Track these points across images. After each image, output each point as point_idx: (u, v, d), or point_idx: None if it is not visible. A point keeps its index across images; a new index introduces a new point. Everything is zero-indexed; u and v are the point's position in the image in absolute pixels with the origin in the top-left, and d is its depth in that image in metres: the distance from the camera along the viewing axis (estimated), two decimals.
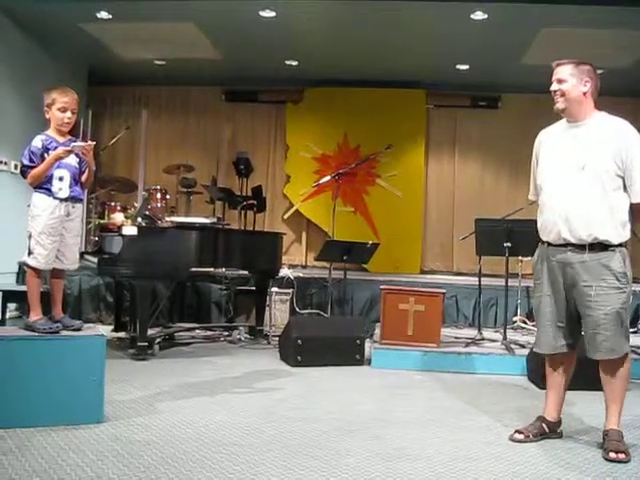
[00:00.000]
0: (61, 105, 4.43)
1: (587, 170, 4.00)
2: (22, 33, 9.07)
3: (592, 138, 4.06)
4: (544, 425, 4.29)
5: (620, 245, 4.02)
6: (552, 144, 4.29)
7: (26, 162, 4.34)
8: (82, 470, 3.34)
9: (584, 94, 4.10)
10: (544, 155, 4.32)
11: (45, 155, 4.35)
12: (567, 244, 4.06)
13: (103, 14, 8.59)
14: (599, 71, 4.21)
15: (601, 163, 3.98)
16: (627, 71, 9.48)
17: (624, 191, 4.03)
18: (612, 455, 3.83)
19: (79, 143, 4.48)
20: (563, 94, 4.10)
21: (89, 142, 4.57)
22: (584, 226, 3.99)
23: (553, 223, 4.12)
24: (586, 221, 3.99)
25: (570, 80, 4.09)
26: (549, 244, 4.20)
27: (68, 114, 4.47)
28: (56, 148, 4.38)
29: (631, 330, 4.60)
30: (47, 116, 4.49)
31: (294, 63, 10.71)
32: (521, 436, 4.23)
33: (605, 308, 3.96)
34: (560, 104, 4.13)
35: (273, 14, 8.47)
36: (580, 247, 4.02)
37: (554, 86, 4.14)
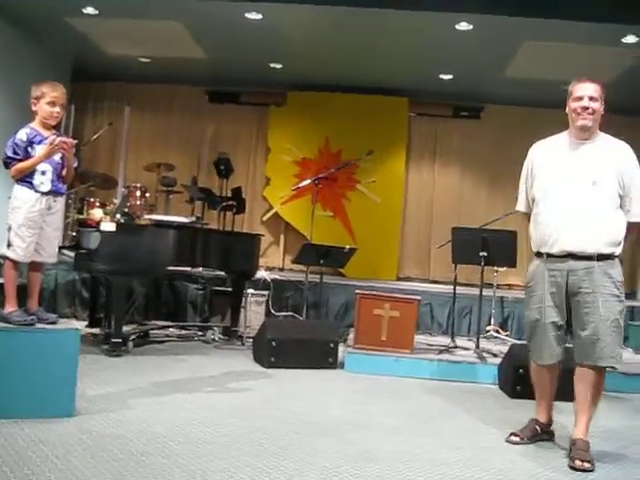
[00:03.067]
0: (50, 99, 4.46)
1: (597, 186, 4.11)
2: (6, 24, 9.04)
3: (601, 156, 4.19)
4: (537, 427, 4.45)
5: (617, 256, 4.16)
6: (555, 158, 4.33)
7: (10, 154, 4.36)
8: (52, 462, 3.35)
9: (601, 115, 4.24)
10: (543, 168, 4.36)
11: (29, 149, 4.37)
12: (571, 255, 4.14)
13: (89, 9, 8.60)
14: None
15: (608, 181, 4.11)
16: (607, 87, 9.55)
17: (621, 209, 4.17)
18: (578, 463, 3.89)
19: (59, 138, 4.48)
20: (593, 112, 4.18)
21: (71, 139, 4.57)
22: (591, 240, 4.09)
23: (557, 235, 4.17)
24: (593, 235, 4.09)
25: (600, 100, 4.21)
26: (549, 255, 4.24)
27: (57, 108, 4.49)
28: (40, 142, 4.40)
29: None
30: (34, 108, 4.50)
31: (278, 66, 10.74)
32: (517, 438, 4.39)
33: (606, 315, 4.05)
34: (589, 122, 4.18)
35: (259, 16, 8.50)
36: (585, 258, 4.11)
37: (587, 103, 4.18)
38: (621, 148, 4.25)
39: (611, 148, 4.23)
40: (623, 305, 4.14)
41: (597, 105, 4.18)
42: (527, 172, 4.49)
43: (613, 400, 5.80)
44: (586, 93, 4.19)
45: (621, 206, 4.17)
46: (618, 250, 4.14)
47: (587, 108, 4.17)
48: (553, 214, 4.23)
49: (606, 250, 4.09)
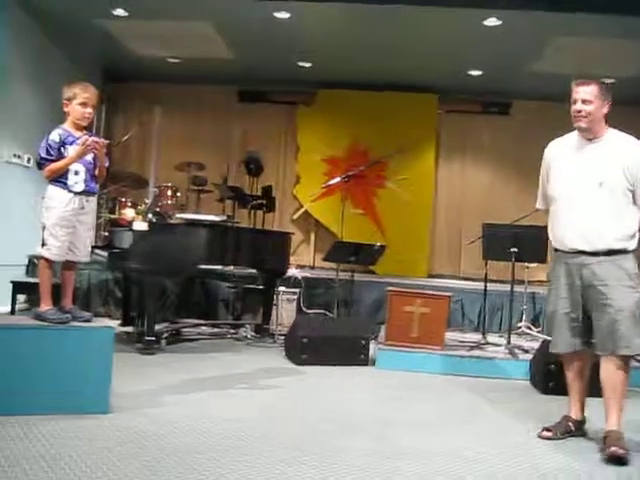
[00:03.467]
0: (83, 100, 4.51)
1: (604, 187, 4.18)
2: (38, 28, 9.14)
3: (607, 155, 4.24)
4: (570, 424, 4.47)
5: (632, 251, 4.22)
6: (566, 158, 4.43)
7: (44, 155, 4.41)
8: (87, 456, 3.41)
9: (604, 115, 4.29)
10: (557, 168, 4.46)
11: (62, 149, 4.43)
12: (582, 252, 4.23)
13: (119, 11, 8.67)
14: (610, 80, 4.31)
15: (616, 180, 4.18)
16: (636, 80, 9.48)
17: (633, 204, 4.23)
18: (613, 449, 3.91)
19: (91, 138, 4.54)
20: (587, 115, 4.24)
21: (102, 140, 4.64)
22: (600, 238, 4.17)
23: (570, 235, 4.29)
24: (602, 234, 4.17)
25: (595, 102, 4.25)
26: (564, 252, 4.36)
27: (89, 109, 4.55)
28: (73, 142, 4.45)
29: None
30: (66, 109, 4.55)
31: (307, 65, 10.76)
32: (549, 434, 4.42)
33: (621, 305, 4.11)
34: (583, 123, 4.27)
35: (287, 15, 8.53)
36: (595, 254, 4.20)
37: (579, 106, 4.26)
38: (629, 144, 4.29)
39: (619, 145, 4.28)
40: (639, 295, 4.19)
41: (591, 107, 4.23)
42: (543, 171, 4.61)
43: None
44: (579, 96, 4.28)
45: (634, 201, 4.23)
46: (631, 245, 4.21)
47: (580, 111, 4.26)
48: (564, 214, 4.36)
49: (617, 246, 4.17)
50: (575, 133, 4.42)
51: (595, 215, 4.19)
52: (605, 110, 4.27)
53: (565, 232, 4.31)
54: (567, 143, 4.48)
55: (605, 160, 4.22)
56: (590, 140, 4.32)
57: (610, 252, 4.16)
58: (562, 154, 4.47)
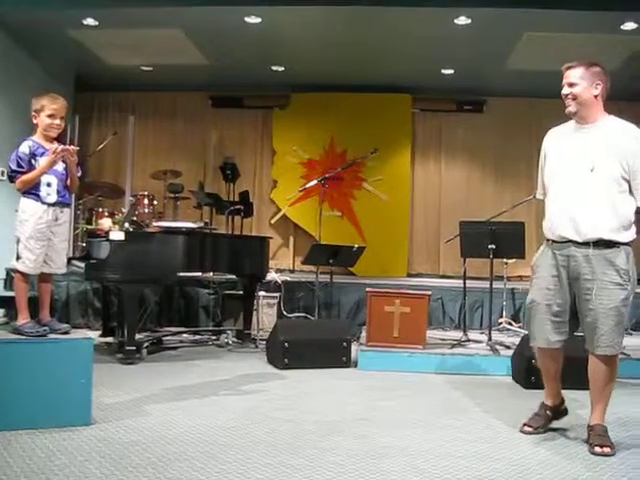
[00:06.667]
0: (50, 112, 4.50)
1: (595, 172, 4.07)
2: (9, 40, 9.09)
3: (601, 141, 4.12)
4: (548, 412, 4.48)
5: (626, 244, 4.11)
6: (561, 144, 4.35)
7: (14, 167, 4.39)
8: (70, 470, 3.38)
9: (595, 97, 4.17)
10: (552, 155, 4.38)
11: (32, 161, 4.41)
12: (571, 241, 4.14)
13: (89, 21, 8.62)
14: None
15: (609, 166, 4.06)
16: (609, 74, 9.51)
17: (630, 194, 4.11)
18: (597, 449, 3.94)
19: (61, 146, 4.51)
20: (575, 97, 4.16)
21: (72, 147, 4.61)
22: (590, 227, 4.06)
23: (559, 223, 4.20)
24: (593, 222, 4.06)
25: (581, 83, 4.15)
26: (554, 241, 4.27)
27: (57, 121, 4.53)
28: (43, 154, 4.44)
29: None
30: (35, 121, 4.55)
31: (280, 68, 10.76)
32: (529, 429, 4.43)
33: (605, 303, 4.03)
34: (572, 107, 4.19)
35: (259, 20, 8.52)
36: (585, 244, 4.10)
37: (565, 89, 4.20)
38: (627, 131, 4.14)
39: (615, 131, 4.15)
40: (627, 292, 4.07)
41: (578, 89, 4.15)
42: (542, 159, 4.51)
43: (633, 387, 5.78)
44: (566, 80, 4.22)
45: (630, 191, 4.10)
46: (623, 237, 4.07)
47: (567, 94, 4.19)
48: (555, 201, 4.27)
49: (608, 236, 4.04)
50: (572, 120, 4.32)
51: (586, 202, 4.07)
52: (595, 92, 4.14)
53: (555, 219, 4.22)
54: (563, 130, 4.38)
55: (598, 145, 4.11)
56: (585, 125, 4.22)
57: (600, 243, 4.04)
58: (557, 141, 4.38)
